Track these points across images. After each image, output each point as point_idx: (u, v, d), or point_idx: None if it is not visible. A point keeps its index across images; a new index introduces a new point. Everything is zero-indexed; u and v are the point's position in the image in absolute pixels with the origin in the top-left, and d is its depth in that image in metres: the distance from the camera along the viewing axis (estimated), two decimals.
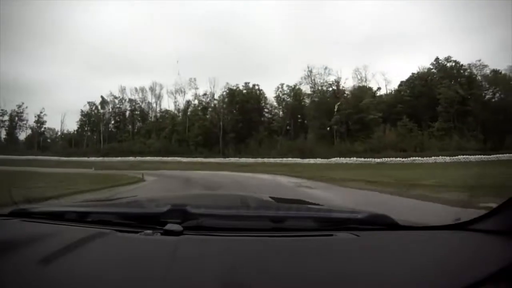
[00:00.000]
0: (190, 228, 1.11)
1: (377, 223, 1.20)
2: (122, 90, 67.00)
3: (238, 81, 61.15)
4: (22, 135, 71.86)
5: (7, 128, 69.03)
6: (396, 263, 0.90)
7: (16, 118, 69.04)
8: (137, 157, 49.30)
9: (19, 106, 68.65)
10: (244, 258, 0.92)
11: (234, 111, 57.64)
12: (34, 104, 74.03)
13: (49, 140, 68.68)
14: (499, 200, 0.99)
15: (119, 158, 48.82)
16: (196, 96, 63.39)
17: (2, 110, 69.21)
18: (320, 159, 40.07)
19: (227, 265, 0.86)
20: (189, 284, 0.78)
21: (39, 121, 68.63)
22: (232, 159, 44.96)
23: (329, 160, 39.80)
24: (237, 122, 56.48)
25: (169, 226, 1.10)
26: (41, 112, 67.16)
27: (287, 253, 0.97)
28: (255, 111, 58.88)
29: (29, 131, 70.34)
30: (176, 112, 64.57)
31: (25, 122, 69.91)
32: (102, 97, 65.98)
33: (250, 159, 43.69)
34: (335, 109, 51.17)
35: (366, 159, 38.85)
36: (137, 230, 1.12)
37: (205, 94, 62.65)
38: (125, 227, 1.18)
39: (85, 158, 50.46)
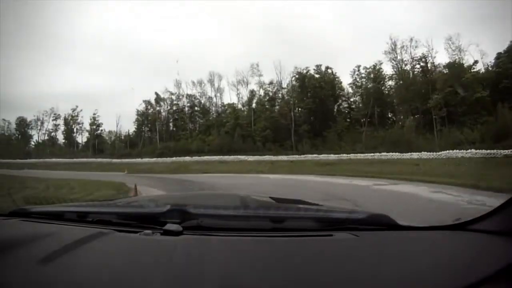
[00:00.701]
0: (190, 228, 1.17)
1: (376, 223, 1.24)
2: (178, 84, 65.70)
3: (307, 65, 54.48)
4: (81, 138, 74.51)
5: (64, 132, 72.75)
6: (395, 263, 0.95)
7: (71, 122, 72.36)
8: (194, 157, 46.51)
9: (74, 110, 71.55)
10: (243, 258, 0.97)
11: (306, 99, 52.83)
12: (90, 107, 77.47)
13: (109, 142, 71.56)
14: None
15: (173, 158, 46.67)
16: (260, 84, 59.06)
17: (55, 114, 73.00)
18: (425, 153, 33.49)
19: (227, 265, 0.90)
20: (188, 284, 0.81)
21: (94, 123, 71.18)
22: (309, 156, 39.45)
23: (438, 154, 32.70)
24: (310, 112, 51.93)
25: (168, 226, 1.15)
26: (94, 114, 69.33)
27: (286, 253, 1.03)
28: (330, 99, 54.01)
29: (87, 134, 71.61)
30: (239, 104, 61.25)
31: (80, 125, 72.83)
32: (156, 93, 65.71)
33: (332, 155, 38.69)
34: (431, 89, 43.83)
35: (491, 151, 28.82)
36: (136, 230, 1.18)
37: (271, 83, 58.09)
38: (124, 227, 1.23)
39: (138, 159, 49.81)
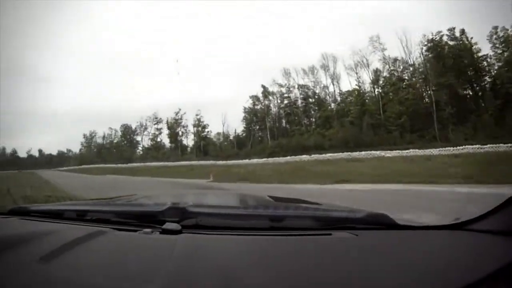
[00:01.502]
0: (189, 227, 1.24)
1: (375, 222, 1.32)
2: (287, 74, 63.15)
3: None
4: (186, 141, 78.27)
5: (168, 136, 77.51)
6: (394, 263, 1.02)
7: (175, 125, 76.34)
8: (313, 155, 40.23)
9: (176, 113, 75.80)
10: (242, 257, 1.04)
11: (444, 74, 43.67)
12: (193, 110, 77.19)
13: (217, 144, 71.84)
14: None
15: (287, 158, 41.29)
16: (386, 61, 52.08)
17: (156, 118, 78.49)
18: None
19: (225, 264, 0.96)
20: (187, 282, 0.86)
21: (199, 125, 74.94)
22: (469, 148, 29.42)
23: None
24: (451, 90, 43.30)
25: (167, 225, 1.23)
26: (197, 115, 73.51)
27: (285, 252, 1.10)
28: (472, 71, 44.72)
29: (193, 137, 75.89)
30: (360, 88, 55.06)
31: (185, 128, 76.81)
32: (263, 86, 65.08)
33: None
34: None
35: None
36: (136, 229, 1.26)
37: (395, 61, 51.49)
38: (124, 225, 1.32)
39: (246, 161, 45.79)
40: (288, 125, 61.11)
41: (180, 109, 73.27)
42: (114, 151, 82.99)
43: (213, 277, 0.88)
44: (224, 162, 45.30)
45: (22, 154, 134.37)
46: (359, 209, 1.50)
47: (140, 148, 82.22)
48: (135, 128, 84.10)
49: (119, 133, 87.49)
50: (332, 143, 45.44)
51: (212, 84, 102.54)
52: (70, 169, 71.83)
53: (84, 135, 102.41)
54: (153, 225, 1.27)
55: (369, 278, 0.89)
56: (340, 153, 37.38)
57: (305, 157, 39.47)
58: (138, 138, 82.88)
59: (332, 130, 50.08)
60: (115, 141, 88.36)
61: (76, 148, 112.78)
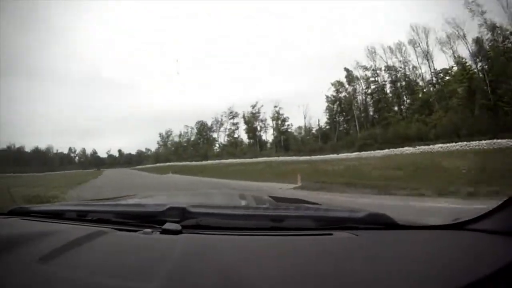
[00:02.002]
0: (189, 227, 1.30)
1: (376, 222, 1.38)
2: (371, 53, 57.47)
3: None
4: (265, 136, 76.31)
5: (246, 131, 76.67)
6: (395, 263, 1.05)
7: (252, 119, 75.03)
8: (417, 147, 33.75)
9: (253, 106, 74.57)
10: (242, 257, 1.07)
11: None
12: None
13: (299, 138, 68.69)
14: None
15: (385, 151, 35.48)
16: (490, 26, 43.45)
17: (232, 112, 78.22)
18: None
19: (226, 264, 1.00)
20: (187, 282, 0.90)
21: (278, 118, 72.05)
22: None
23: None
24: None
25: (167, 225, 1.28)
26: (275, 106, 70.92)
27: (286, 252, 1.13)
28: None
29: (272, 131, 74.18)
30: (463, 61, 46.42)
31: (263, 122, 75.02)
32: (346, 69, 60.35)
33: None
34: None
35: None
36: (136, 229, 1.31)
37: (494, 28, 43.13)
38: (124, 226, 1.37)
39: (333, 155, 41.11)
40: (377, 113, 56.95)
41: (257, 102, 74.46)
42: (192, 148, 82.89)
43: (213, 277, 0.91)
44: (307, 157, 42.43)
45: (102, 154, 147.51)
46: (359, 209, 1.57)
47: (217, 145, 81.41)
48: (211, 124, 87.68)
49: (195, 131, 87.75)
50: (437, 132, 39.79)
51: (291, 74, 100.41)
52: (142, 168, 78.38)
53: (160, 134, 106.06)
54: (154, 225, 1.33)
55: (370, 278, 0.93)
56: (453, 144, 30.81)
57: (407, 149, 34.34)
58: (215, 135, 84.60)
59: (436, 114, 43.92)
60: (191, 138, 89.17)
61: (154, 147, 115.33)
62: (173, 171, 39.36)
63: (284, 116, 70.98)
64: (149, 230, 1.29)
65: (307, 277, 0.93)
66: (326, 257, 1.10)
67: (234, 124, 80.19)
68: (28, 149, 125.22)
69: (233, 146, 74.89)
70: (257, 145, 72.21)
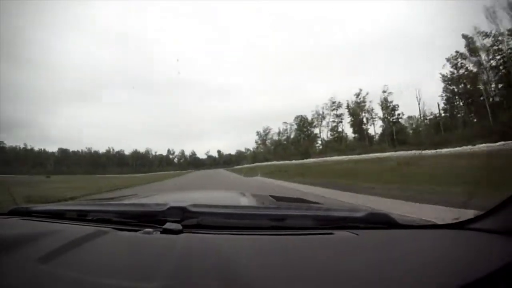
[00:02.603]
0: (190, 227, 1.31)
1: (376, 221, 1.40)
2: (491, 15, 45.92)
3: None
4: (374, 129, 70.65)
5: (351, 124, 72.30)
6: (395, 262, 1.06)
7: (358, 110, 69.77)
8: None
9: (357, 95, 70.34)
10: (243, 257, 1.07)
11: None
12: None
13: (409, 130, 63.68)
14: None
15: None
16: None
17: (334, 102, 74.57)
18: None
19: (227, 264, 1.00)
20: (188, 282, 0.90)
21: (387, 107, 65.46)
22: None
23: None
24: None
25: (168, 225, 1.29)
26: (384, 91, 65.35)
27: (286, 251, 1.14)
28: None
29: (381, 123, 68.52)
30: None
31: (370, 112, 69.23)
32: (465, 37, 50.53)
33: None
34: None
35: None
36: (136, 229, 1.32)
37: None
38: (124, 225, 1.39)
39: (467, 147, 31.18)
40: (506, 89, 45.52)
41: (360, 90, 66.23)
42: (292, 147, 79.24)
43: (214, 276, 0.92)
44: (432, 151, 34.86)
45: (202, 155, 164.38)
46: (360, 208, 1.62)
47: (318, 142, 76.65)
48: (312, 119, 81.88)
49: (294, 127, 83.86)
50: None
51: (394, 57, 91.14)
52: (233, 169, 75.74)
53: (258, 133, 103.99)
54: (154, 225, 1.33)
55: (371, 277, 0.95)
56: None
57: None
58: (316, 131, 78.21)
59: None
60: (291, 136, 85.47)
61: (253, 146, 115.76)
62: (262, 173, 31.94)
63: (393, 103, 64.96)
64: (149, 229, 1.29)
65: (308, 277, 0.94)
66: (327, 256, 1.11)
67: (337, 116, 76.56)
68: (127, 152, 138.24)
69: (337, 142, 69.89)
70: (366, 139, 68.00)
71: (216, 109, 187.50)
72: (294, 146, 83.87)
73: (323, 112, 78.88)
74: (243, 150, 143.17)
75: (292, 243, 1.23)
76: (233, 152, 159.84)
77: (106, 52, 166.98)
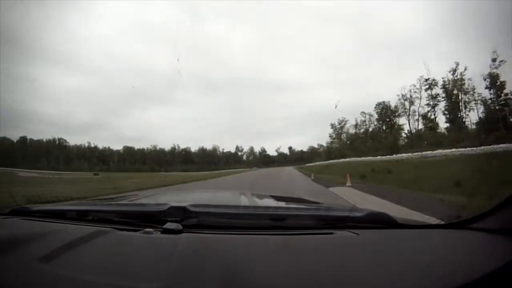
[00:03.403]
0: (190, 227, 1.34)
1: (376, 221, 1.44)
2: None
3: None
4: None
5: (446, 110, 61.04)
6: (395, 261, 1.08)
7: (455, 89, 58.90)
8: None
9: (453, 70, 59.54)
10: (244, 256, 1.10)
11: None
12: None
13: None
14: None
15: None
16: None
17: (428, 80, 64.54)
18: None
19: (227, 264, 1.01)
20: (188, 282, 0.92)
21: (495, 81, 53.02)
22: None
23: None
24: None
25: (168, 225, 1.32)
26: (494, 59, 52.22)
27: (287, 251, 1.18)
28: None
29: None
30: None
31: (471, 92, 58.21)
32: None
33: None
34: None
35: None
36: (137, 229, 1.35)
37: None
38: (125, 225, 1.42)
39: None
40: None
41: (457, 65, 52.68)
42: (371, 141, 68.70)
43: (214, 276, 0.93)
44: None
45: (272, 152, 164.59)
46: (360, 208, 1.66)
47: (403, 134, 65.35)
48: (396, 106, 67.52)
49: (375, 117, 72.64)
50: None
51: None
52: (301, 167, 71.97)
53: (333, 125, 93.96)
54: (155, 225, 1.36)
55: (371, 276, 0.96)
56: None
57: None
58: (401, 121, 66.11)
59: None
60: (370, 128, 74.45)
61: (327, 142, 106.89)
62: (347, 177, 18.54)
63: (501, 79, 53.15)
64: (150, 229, 1.32)
65: (308, 276, 0.96)
66: (327, 256, 1.12)
67: (433, 97, 64.31)
68: (193, 149, 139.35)
69: (431, 132, 57.57)
70: (460, 128, 56.37)
71: (287, 106, 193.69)
72: (373, 140, 75.12)
73: (410, 96, 68.94)
74: (316, 146, 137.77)
75: (293, 242, 1.25)
76: (305, 148, 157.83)
77: (171, 55, 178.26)
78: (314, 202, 2.17)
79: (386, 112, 76.12)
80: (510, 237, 1.11)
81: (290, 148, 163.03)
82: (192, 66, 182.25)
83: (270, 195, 2.54)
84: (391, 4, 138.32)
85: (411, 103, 69.80)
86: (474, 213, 1.31)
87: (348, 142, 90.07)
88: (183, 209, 1.41)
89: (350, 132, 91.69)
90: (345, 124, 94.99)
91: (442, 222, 1.48)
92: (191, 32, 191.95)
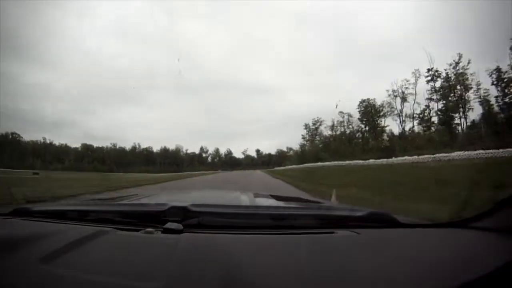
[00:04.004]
0: (191, 226, 1.36)
1: (377, 220, 1.48)
2: None
3: None
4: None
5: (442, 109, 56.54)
6: (396, 261, 1.10)
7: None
8: None
9: (455, 64, 54.74)
10: (244, 256, 1.11)
11: None
12: None
13: None
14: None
15: None
16: None
17: (431, 70, 59.01)
18: None
19: (228, 263, 1.02)
20: (189, 282, 0.93)
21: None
22: None
23: None
24: None
25: (169, 225, 1.34)
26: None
27: (288, 251, 1.19)
28: None
29: None
30: None
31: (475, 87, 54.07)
32: None
33: None
34: None
35: None
36: (137, 229, 1.37)
37: None
38: (125, 225, 1.44)
39: None
40: None
41: (460, 55, 48.72)
42: (347, 144, 63.03)
43: (215, 276, 0.94)
44: None
45: (238, 154, 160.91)
46: (361, 207, 1.67)
47: (385, 135, 60.04)
48: (381, 104, 62.05)
49: (356, 117, 67.19)
50: None
51: None
52: (273, 170, 69.72)
53: (306, 126, 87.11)
54: (155, 225, 1.38)
55: (372, 276, 0.97)
56: None
57: None
58: (388, 121, 60.90)
59: None
60: (347, 131, 68.60)
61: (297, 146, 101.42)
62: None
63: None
64: (150, 229, 1.34)
65: (309, 276, 0.97)
66: (328, 255, 1.14)
67: (435, 91, 57.46)
68: (155, 149, 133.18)
69: (428, 134, 53.14)
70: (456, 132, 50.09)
71: (258, 109, 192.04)
72: (350, 144, 70.90)
73: (403, 92, 63.46)
74: (285, 149, 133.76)
75: (294, 242, 1.27)
76: (273, 152, 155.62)
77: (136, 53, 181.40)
78: (315, 202, 2.28)
79: (369, 111, 71.35)
80: (510, 237, 1.13)
81: (257, 151, 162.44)
82: (166, 65, 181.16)
83: (270, 195, 2.62)
84: (369, 5, 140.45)
85: (404, 99, 64.52)
86: (475, 212, 1.33)
87: (320, 145, 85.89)
88: (183, 209, 1.42)
89: (324, 134, 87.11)
90: (320, 124, 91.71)
91: (444, 221, 1.47)
92: (166, 32, 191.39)
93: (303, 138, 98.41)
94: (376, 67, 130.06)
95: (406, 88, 65.95)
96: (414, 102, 65.15)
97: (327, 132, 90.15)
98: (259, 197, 2.61)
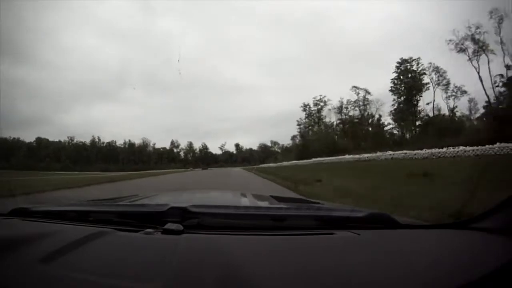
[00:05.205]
0: (191, 227, 1.38)
1: (377, 221, 1.50)
2: None
3: None
4: None
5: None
6: (396, 262, 1.12)
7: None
8: None
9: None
10: (244, 257, 1.13)
11: None
12: None
13: None
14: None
15: None
16: None
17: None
18: None
19: (228, 264, 1.04)
20: (189, 283, 0.94)
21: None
22: None
23: None
24: None
25: (169, 225, 1.35)
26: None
27: (288, 251, 1.21)
28: None
29: None
30: None
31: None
32: None
33: None
34: None
35: None
36: (137, 229, 1.40)
37: None
38: (125, 226, 1.46)
39: None
40: None
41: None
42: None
43: (215, 277, 0.95)
44: None
45: (216, 150, 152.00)
46: (360, 208, 1.68)
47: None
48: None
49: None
50: None
51: None
52: (249, 168, 67.98)
53: (305, 107, 75.95)
54: (155, 226, 1.39)
55: (372, 277, 0.98)
56: None
57: None
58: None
59: None
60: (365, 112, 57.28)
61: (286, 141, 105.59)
62: None
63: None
64: (150, 230, 1.36)
65: (309, 277, 0.98)
66: (328, 256, 1.16)
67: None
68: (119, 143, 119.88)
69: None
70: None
71: (235, 108, 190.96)
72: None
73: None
74: (269, 144, 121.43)
75: (294, 243, 1.29)
76: (254, 147, 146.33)
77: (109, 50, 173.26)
78: (315, 203, 2.23)
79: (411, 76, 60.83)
80: (510, 237, 1.16)
81: (237, 146, 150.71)
82: (141, 62, 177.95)
83: (270, 196, 2.69)
84: (344, 6, 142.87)
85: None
86: (475, 213, 1.36)
87: (339, 129, 69.65)
88: (183, 210, 1.44)
89: (327, 120, 74.12)
90: (325, 104, 76.42)
91: (445, 222, 1.51)
92: (142, 28, 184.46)
93: (298, 125, 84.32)
94: (353, 69, 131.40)
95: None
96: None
97: (330, 117, 75.97)
98: (259, 198, 2.66)
